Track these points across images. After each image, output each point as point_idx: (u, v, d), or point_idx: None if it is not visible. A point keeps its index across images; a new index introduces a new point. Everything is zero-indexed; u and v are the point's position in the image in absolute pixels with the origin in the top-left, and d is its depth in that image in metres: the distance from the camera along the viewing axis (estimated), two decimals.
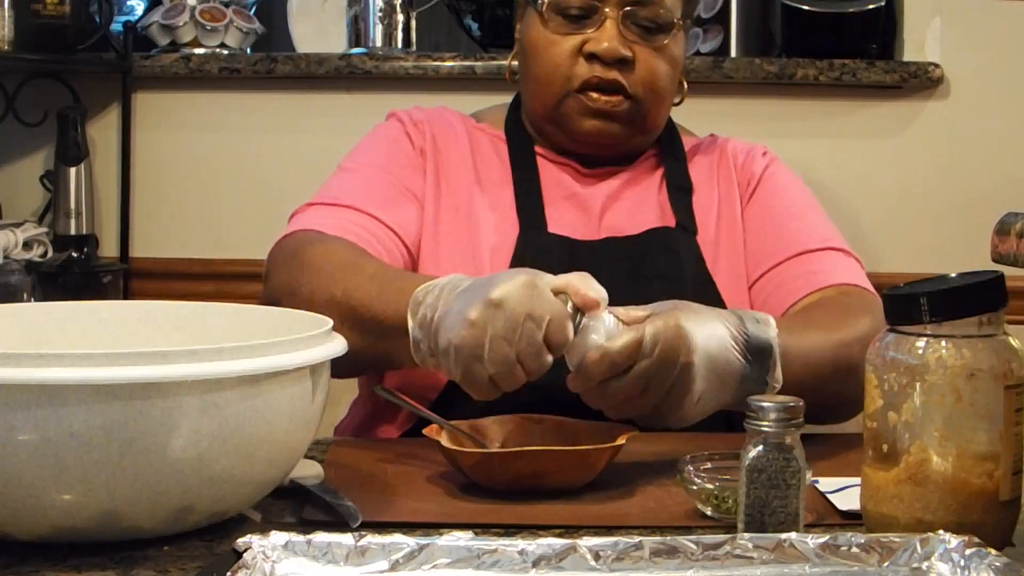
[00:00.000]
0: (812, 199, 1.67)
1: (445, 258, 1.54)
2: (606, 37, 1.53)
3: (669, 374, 1.21)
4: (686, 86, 1.66)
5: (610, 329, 1.20)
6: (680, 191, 1.62)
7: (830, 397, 1.34)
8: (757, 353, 1.26)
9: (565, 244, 1.54)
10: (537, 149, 1.63)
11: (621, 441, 1.20)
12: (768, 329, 1.28)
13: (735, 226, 1.62)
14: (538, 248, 1.53)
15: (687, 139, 1.71)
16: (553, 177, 1.61)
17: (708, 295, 1.49)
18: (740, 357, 1.25)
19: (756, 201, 1.63)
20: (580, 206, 1.59)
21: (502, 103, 1.71)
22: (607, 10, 1.54)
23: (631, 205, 1.61)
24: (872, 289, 1.53)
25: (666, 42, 1.56)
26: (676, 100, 1.65)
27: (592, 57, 1.54)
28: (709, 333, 1.24)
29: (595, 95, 1.55)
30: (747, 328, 1.27)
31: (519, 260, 1.51)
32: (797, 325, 1.40)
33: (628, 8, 1.54)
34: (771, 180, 1.65)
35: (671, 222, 1.59)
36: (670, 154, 1.66)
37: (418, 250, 1.56)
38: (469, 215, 1.57)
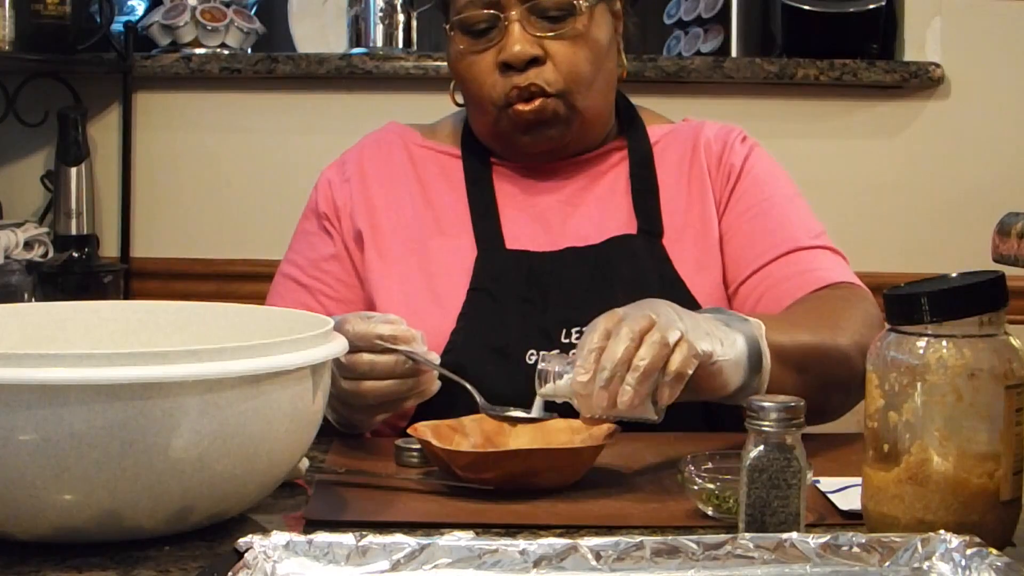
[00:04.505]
0: (794, 188, 1.63)
1: (398, 291, 1.53)
2: (511, 42, 1.51)
3: (678, 320, 1.19)
4: (625, 59, 1.61)
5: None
6: (643, 193, 1.59)
7: (816, 381, 1.34)
8: (742, 323, 1.27)
9: (523, 260, 1.52)
10: (492, 159, 1.61)
11: (608, 439, 1.20)
12: (741, 316, 1.29)
13: (708, 222, 1.58)
14: (495, 268, 1.52)
15: (656, 127, 1.65)
16: (510, 187, 1.59)
17: (679, 297, 1.43)
18: (727, 328, 1.25)
19: (739, 195, 1.59)
20: (539, 217, 1.57)
21: (460, 109, 1.66)
22: (511, 13, 1.51)
23: (594, 211, 1.58)
24: (860, 283, 1.53)
25: (575, 27, 1.52)
26: (620, 75, 1.61)
27: (506, 67, 1.52)
28: (690, 316, 1.23)
29: (519, 107, 1.52)
30: (720, 310, 1.27)
31: (476, 282, 1.51)
32: (784, 315, 1.41)
33: (529, 3, 1.51)
34: (752, 172, 1.60)
35: (635, 227, 1.57)
36: (634, 150, 1.62)
37: (370, 298, 1.56)
38: (422, 247, 1.56)
